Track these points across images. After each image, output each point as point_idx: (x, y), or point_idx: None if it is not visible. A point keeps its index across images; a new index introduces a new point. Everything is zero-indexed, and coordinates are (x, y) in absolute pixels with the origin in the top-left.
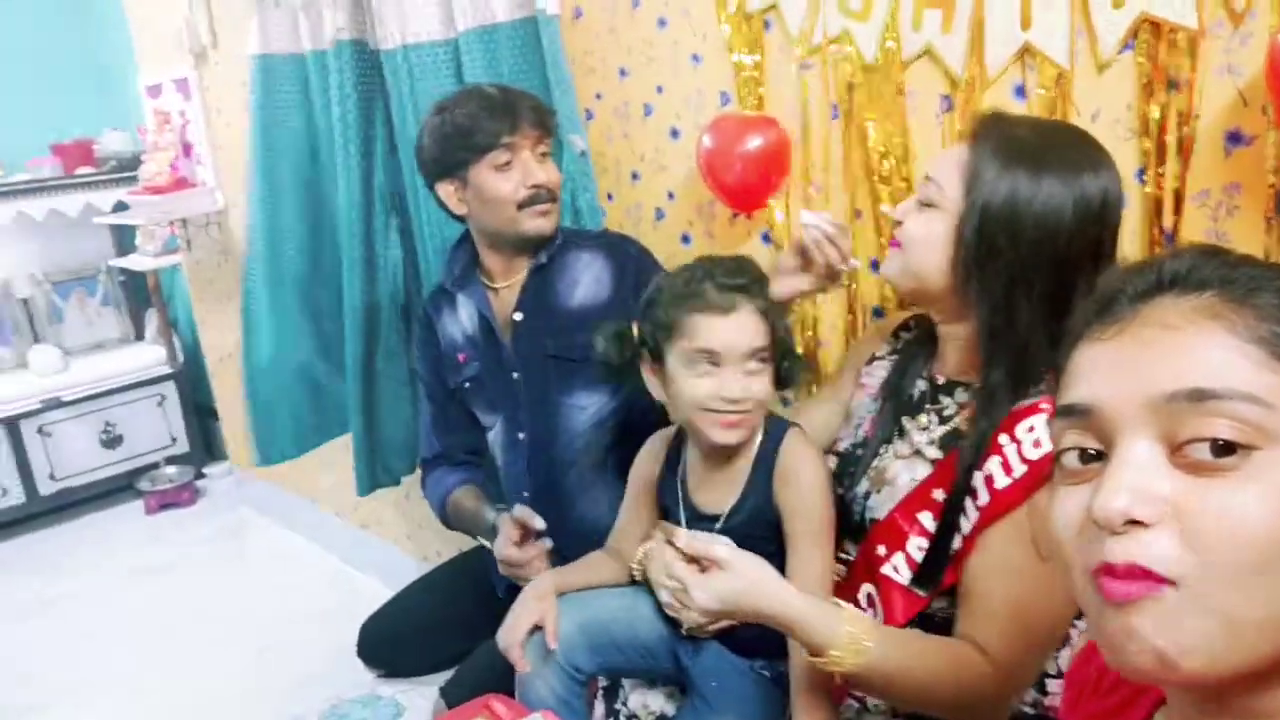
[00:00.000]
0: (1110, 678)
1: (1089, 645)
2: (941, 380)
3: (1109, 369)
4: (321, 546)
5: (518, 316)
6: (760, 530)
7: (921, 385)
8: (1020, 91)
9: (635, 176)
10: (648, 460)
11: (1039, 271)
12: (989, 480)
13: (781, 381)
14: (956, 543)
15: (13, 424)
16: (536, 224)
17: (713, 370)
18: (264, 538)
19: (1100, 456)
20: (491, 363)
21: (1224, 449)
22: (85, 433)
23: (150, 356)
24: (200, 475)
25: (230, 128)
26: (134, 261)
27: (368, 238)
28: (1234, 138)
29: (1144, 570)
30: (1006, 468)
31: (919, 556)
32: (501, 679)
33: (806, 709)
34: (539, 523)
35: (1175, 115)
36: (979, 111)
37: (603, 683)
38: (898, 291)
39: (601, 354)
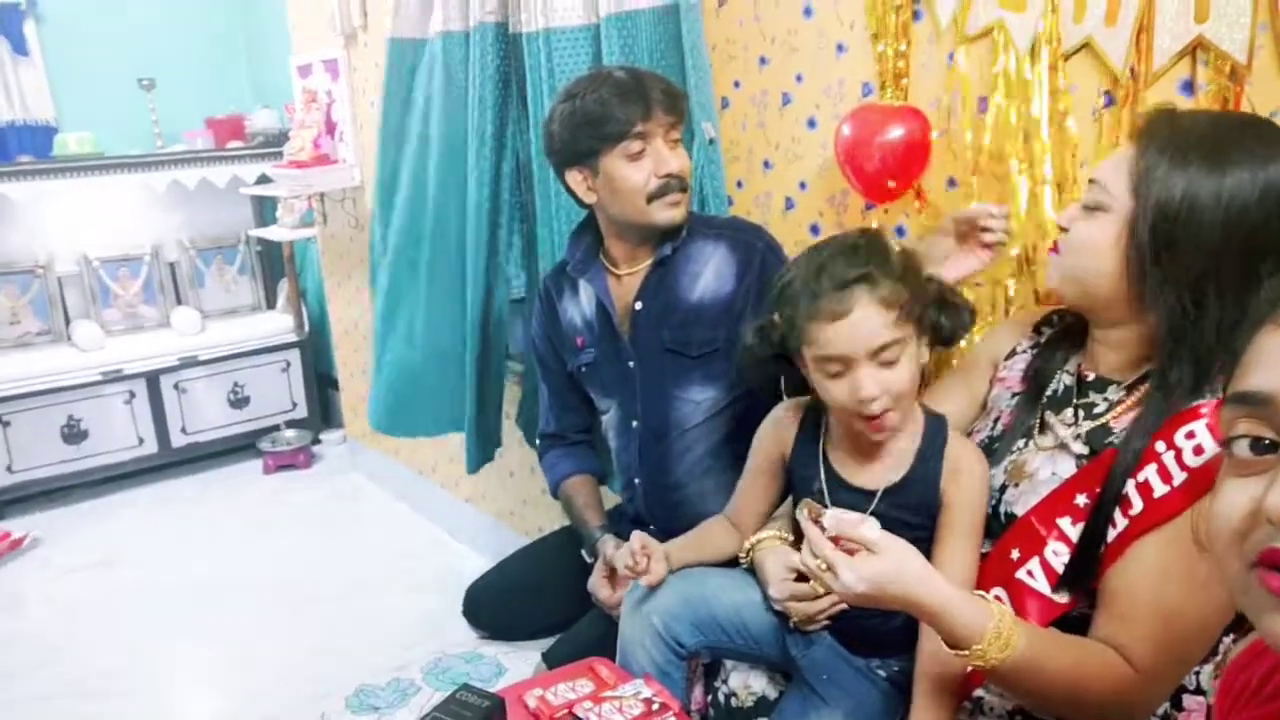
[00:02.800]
0: (1273, 683)
1: (1248, 650)
2: (1091, 377)
3: None
4: (428, 518)
5: (638, 306)
6: (913, 515)
7: (1068, 380)
8: (1188, 87)
9: (768, 165)
10: (776, 429)
11: (1225, 267)
12: (1144, 488)
13: (945, 339)
14: (1101, 551)
15: (153, 379)
16: (668, 214)
17: (844, 372)
18: (374, 504)
19: (1275, 448)
20: (609, 349)
21: None
22: (216, 392)
23: (279, 324)
24: (317, 441)
25: (374, 108)
26: (272, 232)
27: (493, 221)
28: None
29: None
30: (1165, 475)
31: (1055, 562)
32: (603, 649)
33: (928, 706)
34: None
35: None
36: (1145, 110)
37: (704, 659)
38: (1063, 300)
39: (748, 350)
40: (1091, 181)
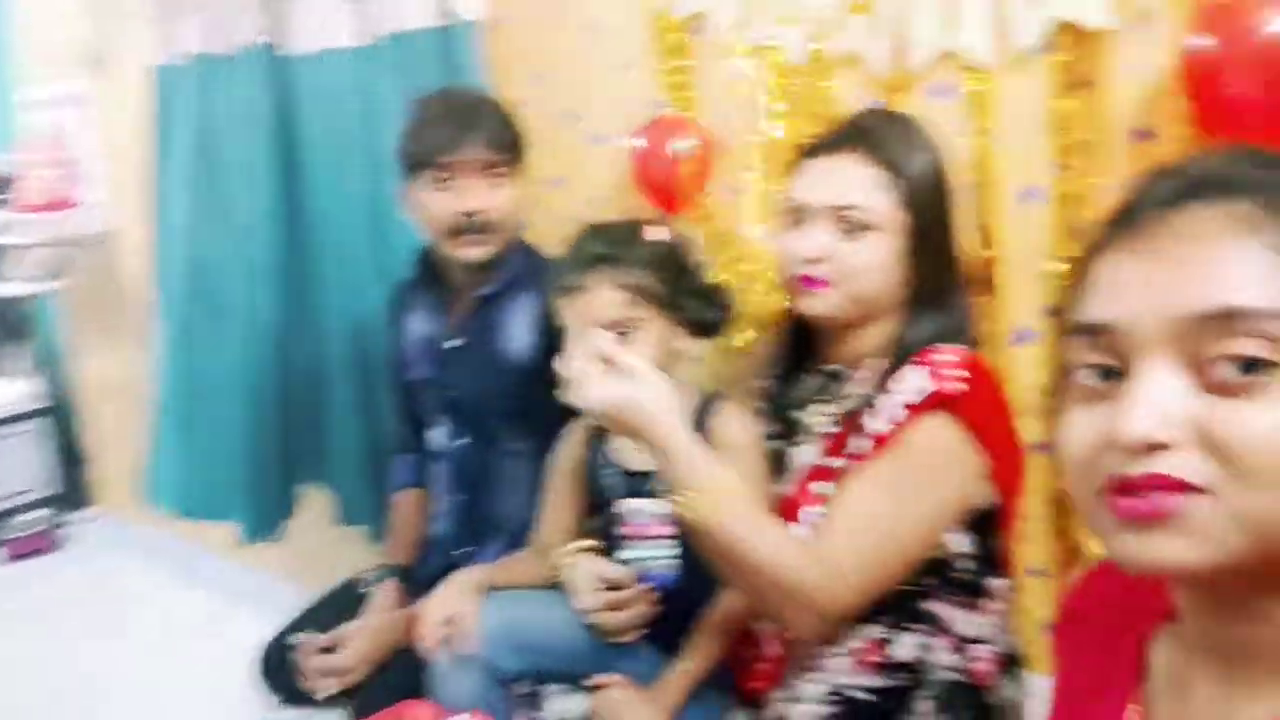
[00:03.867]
0: (1114, 602)
1: (1088, 576)
2: (830, 368)
3: (1131, 284)
4: (203, 587)
5: (458, 342)
6: None
7: (820, 380)
8: (942, 92)
9: (558, 183)
10: (569, 447)
11: (943, 233)
12: (871, 433)
13: (704, 329)
14: None
15: None
16: (464, 253)
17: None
18: (139, 583)
19: (1117, 374)
20: (435, 374)
21: (1250, 367)
22: None
23: (14, 392)
24: (63, 522)
25: (131, 143)
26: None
27: (276, 250)
28: (1141, 134)
29: (1169, 480)
30: (887, 416)
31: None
32: (416, 692)
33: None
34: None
35: (1089, 113)
36: (843, 122)
37: (521, 689)
38: (831, 325)
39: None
40: (839, 209)
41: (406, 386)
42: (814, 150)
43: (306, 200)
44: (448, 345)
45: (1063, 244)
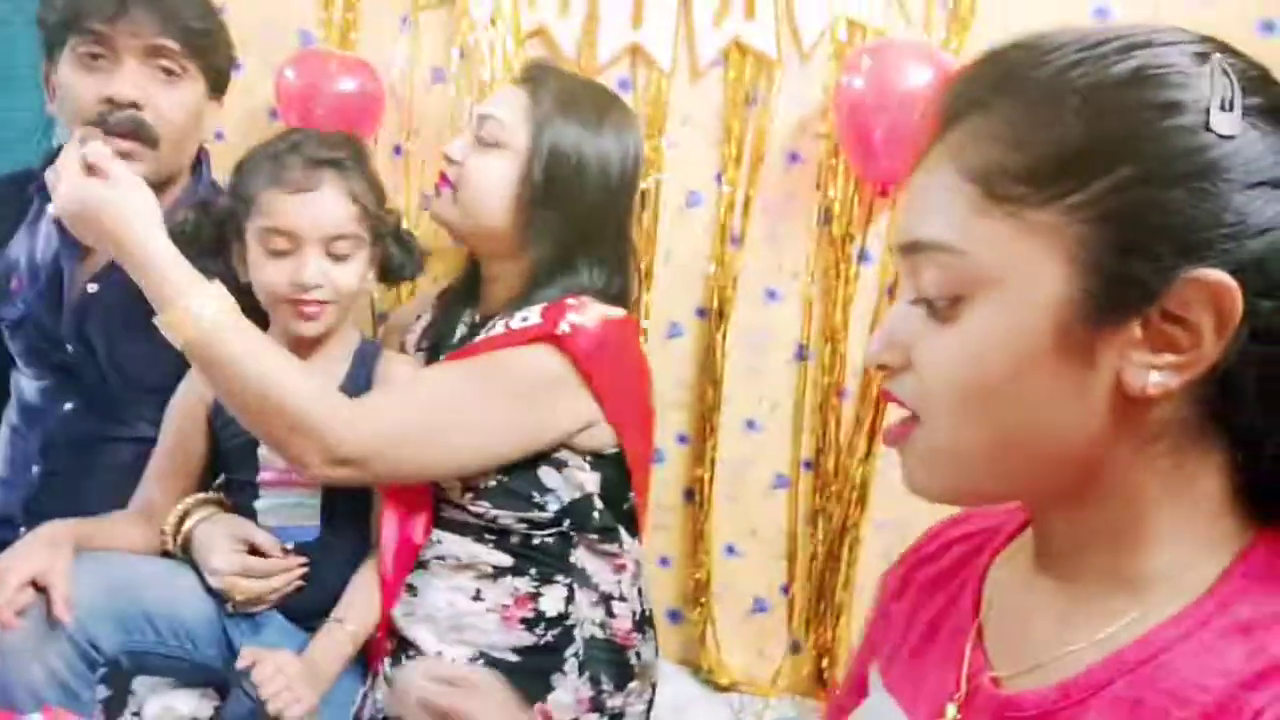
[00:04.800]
0: (953, 544)
1: (935, 526)
2: (479, 318)
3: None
4: None
5: (92, 288)
6: None
7: (463, 329)
8: (626, 85)
9: None
10: (195, 384)
11: (596, 215)
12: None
13: (390, 271)
14: None
15: None
16: None
17: (290, 251)
18: None
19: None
20: (47, 318)
21: (938, 298)
22: None
23: None
24: None
25: None
26: None
27: None
28: (793, 156)
29: (892, 397)
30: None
31: None
32: None
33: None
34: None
35: (753, 130)
36: (531, 59)
37: (102, 692)
38: (451, 231)
39: (186, 230)
40: (485, 116)
41: None
42: None
43: None
44: (90, 289)
45: (719, 249)
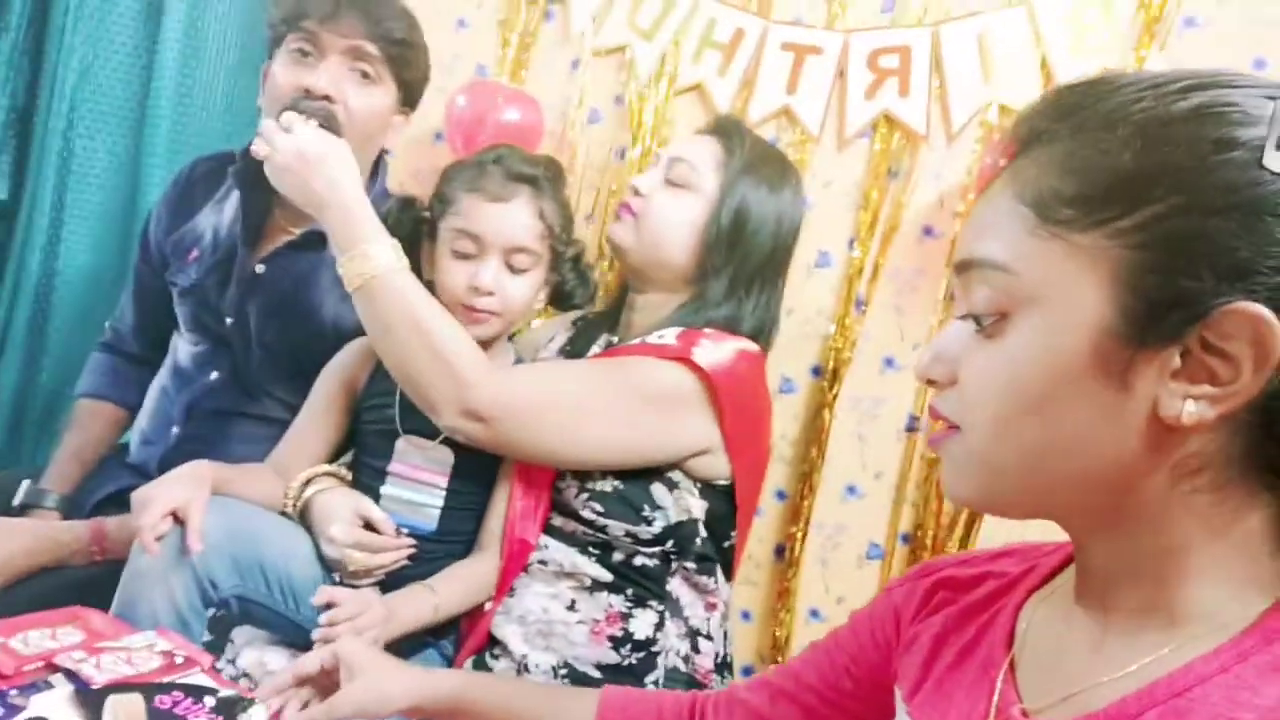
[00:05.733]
0: (984, 574)
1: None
2: (616, 342)
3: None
4: None
5: (259, 269)
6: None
7: (597, 350)
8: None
9: None
10: (351, 361)
11: (761, 265)
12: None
13: (562, 297)
14: None
15: None
16: None
17: (473, 256)
18: None
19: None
20: (214, 290)
21: (985, 314)
22: None
23: None
24: None
25: None
26: None
27: None
28: (928, 230)
29: (935, 411)
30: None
31: None
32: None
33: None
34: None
35: (891, 200)
36: (725, 114)
37: (206, 637)
38: (623, 259)
39: (386, 222)
40: (678, 159)
41: (168, 286)
42: None
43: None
44: (258, 269)
45: (842, 311)
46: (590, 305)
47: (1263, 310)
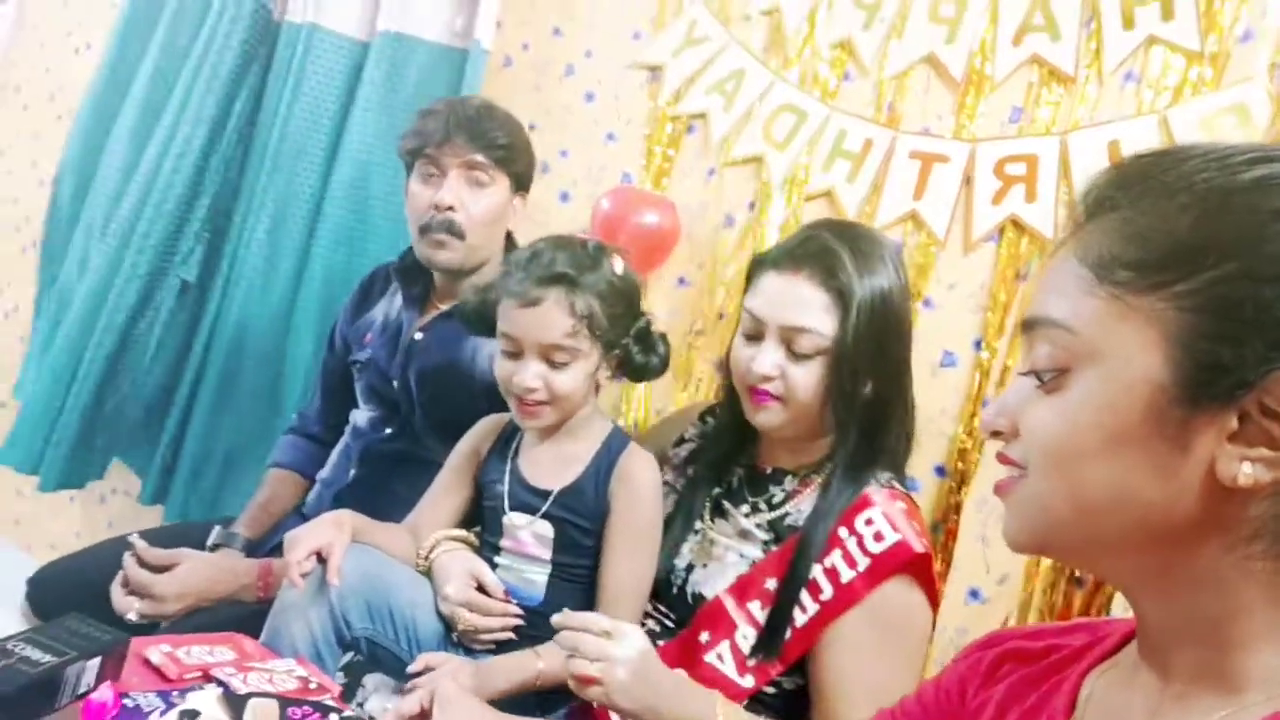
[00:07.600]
0: (1052, 642)
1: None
2: (769, 469)
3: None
4: None
5: (419, 335)
6: (583, 519)
7: (740, 472)
8: (897, 248)
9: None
10: (476, 437)
11: (893, 381)
12: (831, 573)
13: (632, 370)
14: (788, 634)
15: None
16: (426, 252)
17: (516, 354)
18: None
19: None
20: (384, 361)
21: (1045, 370)
22: None
23: None
24: None
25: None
26: None
27: (185, 198)
28: None
29: (1003, 457)
30: (849, 560)
31: (744, 646)
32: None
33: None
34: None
35: (1019, 302)
36: (793, 247)
37: (340, 679)
38: (776, 435)
39: (465, 308)
40: (800, 330)
41: (349, 366)
42: (773, 262)
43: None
44: (416, 336)
45: (972, 412)
46: (663, 373)
47: None
